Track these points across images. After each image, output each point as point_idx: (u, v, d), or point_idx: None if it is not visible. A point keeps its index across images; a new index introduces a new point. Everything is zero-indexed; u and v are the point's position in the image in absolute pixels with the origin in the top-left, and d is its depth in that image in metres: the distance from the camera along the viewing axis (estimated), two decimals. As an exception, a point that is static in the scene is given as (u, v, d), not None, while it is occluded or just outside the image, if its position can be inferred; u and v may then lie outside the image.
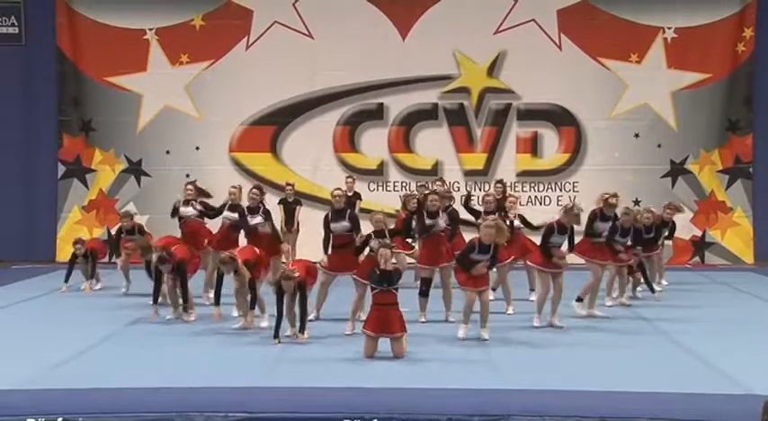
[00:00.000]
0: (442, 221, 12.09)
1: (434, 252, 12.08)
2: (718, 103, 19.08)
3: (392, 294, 10.01)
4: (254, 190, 13.27)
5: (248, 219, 13.00)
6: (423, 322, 11.78)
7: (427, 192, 12.74)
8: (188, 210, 13.76)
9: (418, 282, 12.77)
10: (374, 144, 19.32)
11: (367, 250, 11.52)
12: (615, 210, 12.83)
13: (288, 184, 17.05)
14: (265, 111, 19.36)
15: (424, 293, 12.08)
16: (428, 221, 12.06)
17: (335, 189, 12.55)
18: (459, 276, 10.98)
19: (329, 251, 12.01)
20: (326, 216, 12.17)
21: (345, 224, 12.00)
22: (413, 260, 12.92)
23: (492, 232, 10.80)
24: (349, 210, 12.27)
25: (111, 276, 15.26)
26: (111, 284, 14.81)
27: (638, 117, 19.15)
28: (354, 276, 11.58)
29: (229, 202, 13.52)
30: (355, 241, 11.83)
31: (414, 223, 13.34)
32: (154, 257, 12.00)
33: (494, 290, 13.68)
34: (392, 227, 12.61)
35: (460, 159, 19.33)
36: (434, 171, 18.95)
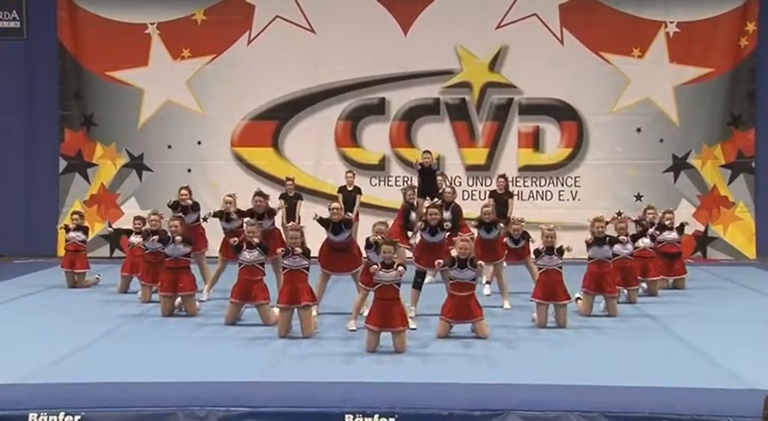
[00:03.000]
0: (441, 235, 11.97)
1: (431, 256, 11.83)
2: (721, 97, 19.06)
3: (394, 289, 10.02)
4: (258, 197, 13.23)
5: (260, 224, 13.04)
6: (411, 318, 11.26)
7: (427, 204, 12.61)
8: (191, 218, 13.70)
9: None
10: (376, 139, 19.33)
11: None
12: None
13: (288, 179, 17.04)
14: (267, 105, 19.37)
15: (417, 286, 11.97)
16: (427, 237, 11.98)
17: (334, 203, 12.34)
18: (444, 306, 10.76)
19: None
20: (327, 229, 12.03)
21: (345, 234, 11.93)
22: (411, 255, 12.91)
23: (467, 245, 10.66)
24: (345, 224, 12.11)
25: (111, 271, 15.26)
26: (112, 280, 14.77)
27: (640, 112, 19.13)
28: (359, 282, 11.48)
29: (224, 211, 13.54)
30: (353, 247, 11.87)
31: (413, 214, 13.34)
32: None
33: (488, 283, 13.67)
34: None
35: (462, 154, 19.32)
36: (436, 166, 18.90)
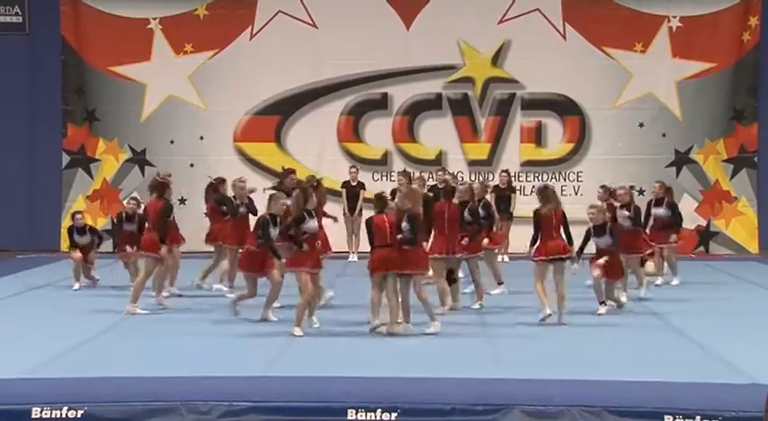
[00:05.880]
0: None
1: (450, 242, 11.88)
2: (724, 92, 19.04)
3: None
4: (293, 176, 12.97)
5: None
6: (441, 314, 11.15)
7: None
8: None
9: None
10: (378, 134, 19.33)
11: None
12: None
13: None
14: (270, 100, 19.37)
15: (452, 280, 11.91)
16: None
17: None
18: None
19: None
20: None
21: None
22: None
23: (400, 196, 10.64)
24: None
25: (111, 267, 15.25)
26: (114, 276, 14.76)
27: (642, 106, 19.12)
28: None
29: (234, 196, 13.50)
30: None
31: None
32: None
33: (501, 283, 13.38)
34: None
35: (464, 149, 19.31)
36: (438, 161, 18.93)
